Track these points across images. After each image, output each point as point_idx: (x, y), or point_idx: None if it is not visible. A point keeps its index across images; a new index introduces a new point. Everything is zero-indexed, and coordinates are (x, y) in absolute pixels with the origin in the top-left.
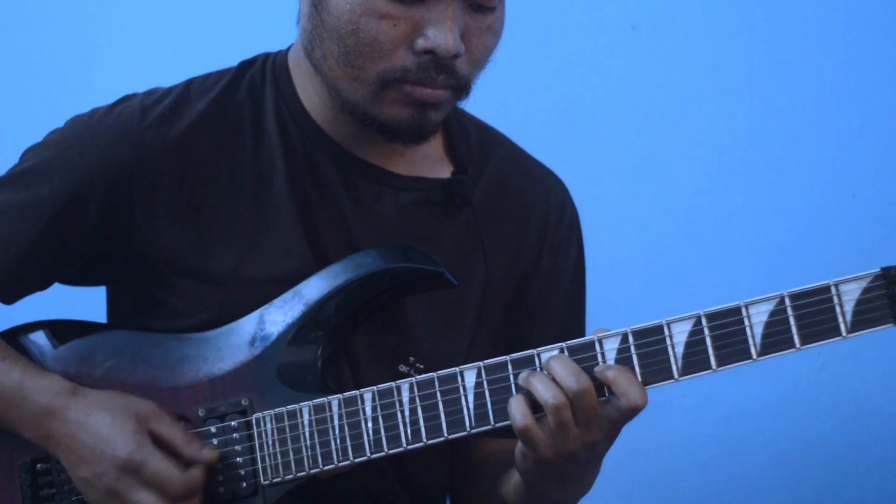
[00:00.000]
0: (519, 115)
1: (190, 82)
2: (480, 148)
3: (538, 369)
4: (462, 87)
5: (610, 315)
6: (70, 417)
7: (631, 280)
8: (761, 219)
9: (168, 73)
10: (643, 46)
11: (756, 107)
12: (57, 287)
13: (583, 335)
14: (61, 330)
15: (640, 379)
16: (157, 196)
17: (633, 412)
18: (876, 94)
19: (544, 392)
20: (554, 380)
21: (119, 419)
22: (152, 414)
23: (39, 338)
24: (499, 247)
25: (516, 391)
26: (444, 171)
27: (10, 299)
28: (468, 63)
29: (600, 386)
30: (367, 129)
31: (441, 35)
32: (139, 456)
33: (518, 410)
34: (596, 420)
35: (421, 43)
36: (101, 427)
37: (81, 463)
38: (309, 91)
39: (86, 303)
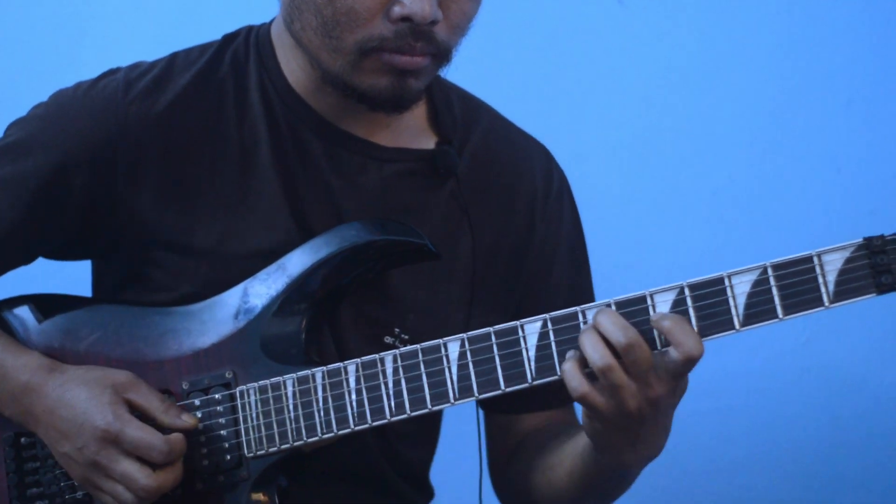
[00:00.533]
0: (503, 89)
1: (174, 56)
2: (464, 118)
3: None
4: (442, 54)
5: (600, 287)
6: (48, 394)
7: (615, 253)
8: (746, 193)
9: (152, 47)
10: (629, 20)
11: (742, 81)
12: (41, 261)
13: (592, 298)
14: (45, 304)
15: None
16: (141, 170)
17: (689, 363)
18: (862, 69)
19: (592, 353)
20: (603, 338)
21: (95, 391)
22: (128, 383)
23: (23, 312)
24: (485, 217)
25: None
26: (429, 143)
27: None
28: (447, 29)
29: (652, 340)
30: (350, 101)
31: (417, 1)
32: (117, 425)
33: (573, 378)
34: (652, 374)
35: (397, 10)
36: (79, 401)
37: (62, 438)
38: (292, 64)
39: (71, 277)
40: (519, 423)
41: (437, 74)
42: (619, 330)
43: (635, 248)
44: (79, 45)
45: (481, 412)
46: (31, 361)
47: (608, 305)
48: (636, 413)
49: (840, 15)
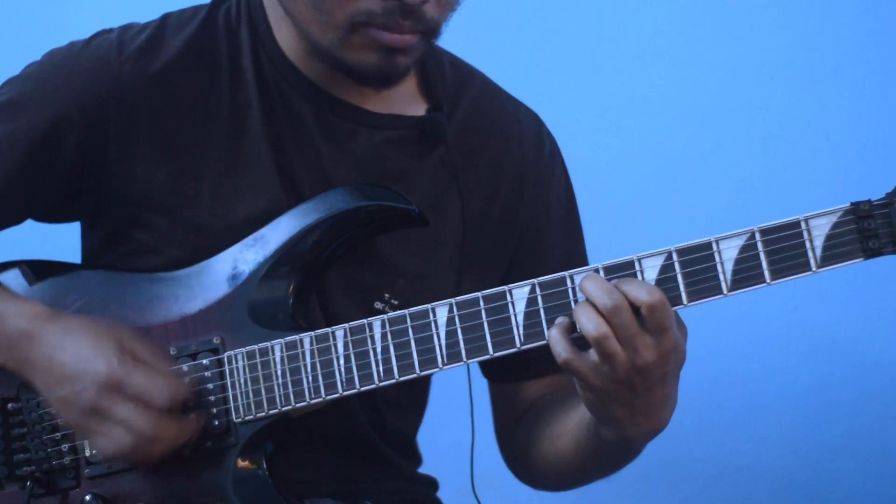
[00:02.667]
0: (491, 52)
1: (166, 17)
2: (455, 84)
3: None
4: (431, 32)
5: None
6: (48, 339)
7: (605, 217)
8: (736, 160)
9: (142, 10)
10: None
11: (730, 48)
12: (31, 226)
13: (585, 260)
14: (33, 269)
15: None
16: (134, 129)
17: (653, 312)
18: (850, 36)
19: (586, 322)
20: (596, 309)
21: (102, 338)
22: (131, 336)
23: (11, 277)
24: (475, 182)
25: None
26: (419, 109)
27: None
28: (437, 7)
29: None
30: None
31: None
32: (121, 371)
33: (558, 343)
34: (640, 338)
35: None
36: (82, 346)
37: (60, 382)
38: (283, 31)
39: (60, 243)
40: (523, 390)
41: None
42: (604, 294)
43: (624, 215)
44: (69, 7)
45: (475, 381)
46: (31, 309)
47: (596, 271)
48: (625, 381)
49: None
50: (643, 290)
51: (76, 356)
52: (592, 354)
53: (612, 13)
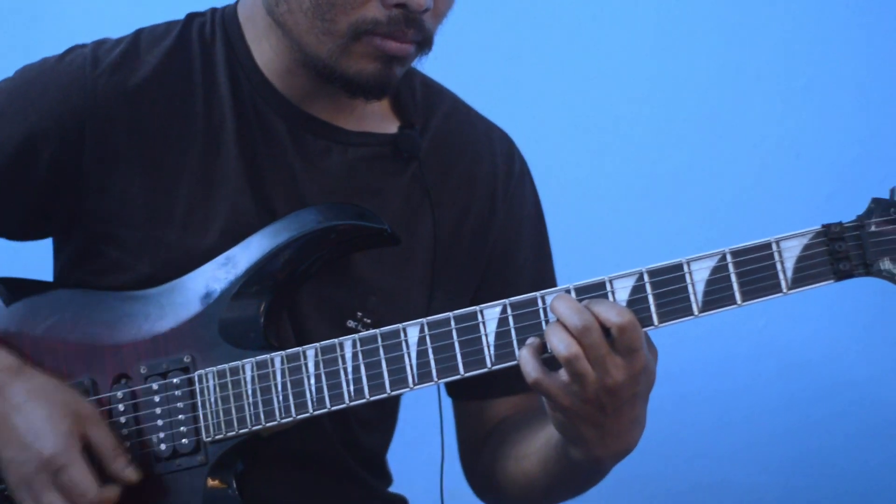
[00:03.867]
0: (462, 71)
1: (139, 32)
2: (426, 103)
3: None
4: (426, 42)
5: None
6: (9, 398)
7: (576, 238)
8: (706, 177)
9: (115, 27)
10: (588, 4)
11: (700, 65)
12: (1, 244)
13: (554, 280)
14: (3, 287)
15: None
16: (109, 144)
17: (623, 333)
18: (820, 53)
19: (557, 343)
20: (567, 330)
21: (56, 414)
22: (91, 418)
23: None
24: (447, 200)
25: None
26: (391, 127)
27: None
28: (433, 18)
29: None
30: (319, 85)
31: None
32: (63, 459)
33: (528, 363)
34: (609, 358)
35: None
36: (36, 417)
37: (8, 444)
38: (263, 45)
39: (31, 262)
40: (488, 409)
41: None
42: (574, 314)
43: (593, 233)
44: (40, 23)
45: (444, 399)
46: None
47: (567, 291)
48: (595, 401)
49: (802, 4)
50: (613, 311)
51: (28, 426)
52: (563, 374)
53: (583, 33)
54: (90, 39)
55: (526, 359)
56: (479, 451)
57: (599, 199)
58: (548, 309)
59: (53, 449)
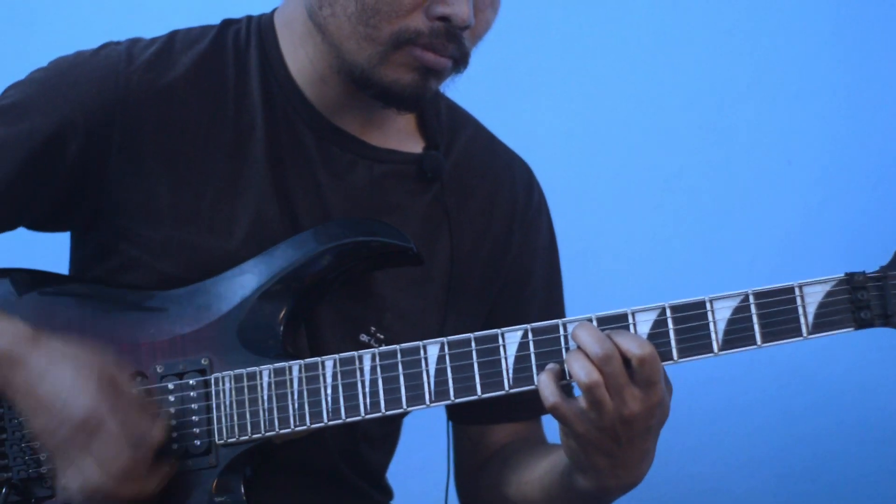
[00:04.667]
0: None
1: (174, 33)
2: (450, 126)
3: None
4: (462, 59)
5: (575, 303)
6: (31, 367)
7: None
8: (698, 184)
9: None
10: (585, 16)
11: (691, 72)
12: (21, 235)
13: (563, 313)
14: (22, 280)
15: None
16: (138, 141)
17: (643, 364)
18: (811, 60)
19: (578, 370)
20: (588, 357)
21: (82, 374)
22: (115, 375)
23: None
24: (466, 222)
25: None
26: (416, 147)
27: None
28: (472, 37)
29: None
30: (350, 97)
31: (460, 4)
32: (100, 413)
33: (547, 388)
34: (628, 389)
35: (439, 9)
36: (63, 380)
37: (40, 412)
38: (299, 53)
39: (48, 255)
40: (489, 434)
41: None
42: (596, 343)
43: (584, 239)
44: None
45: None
46: (14, 329)
47: (589, 320)
48: (610, 430)
49: (789, 6)
50: (635, 343)
51: (56, 391)
52: (580, 401)
53: (574, 42)
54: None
55: (545, 383)
56: (478, 476)
57: (591, 204)
58: (569, 336)
59: (85, 407)
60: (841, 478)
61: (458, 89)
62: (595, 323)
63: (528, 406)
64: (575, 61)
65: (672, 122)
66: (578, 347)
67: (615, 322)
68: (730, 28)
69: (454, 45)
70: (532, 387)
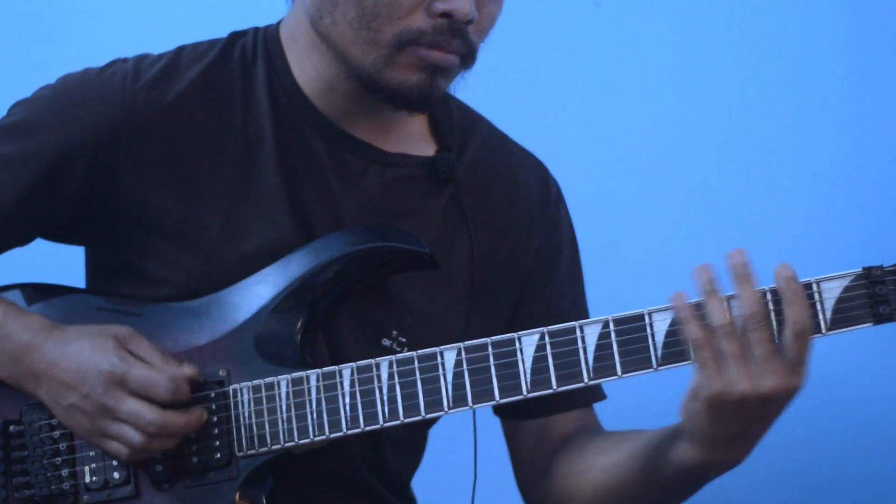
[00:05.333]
0: (478, 94)
1: (181, 49)
2: (462, 128)
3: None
4: (470, 55)
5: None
6: (50, 349)
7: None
8: (722, 196)
9: (155, 44)
10: (605, 23)
11: (716, 85)
12: (37, 247)
13: (586, 307)
14: (37, 293)
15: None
16: (145, 157)
17: (799, 339)
18: (835, 73)
19: (747, 299)
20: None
21: (99, 340)
22: (129, 336)
23: (15, 300)
24: (484, 223)
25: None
26: (429, 150)
27: None
28: (477, 31)
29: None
30: (360, 103)
31: None
32: (122, 366)
33: (693, 327)
34: (773, 359)
35: (439, 6)
36: (82, 350)
37: (66, 389)
38: (305, 64)
39: (66, 266)
40: (553, 426)
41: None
42: (753, 302)
43: (607, 251)
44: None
45: (479, 425)
46: (33, 322)
47: (606, 324)
48: (740, 400)
49: (813, 19)
50: (804, 312)
51: (77, 361)
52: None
53: (597, 50)
54: (113, 56)
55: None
56: (549, 469)
57: (613, 217)
58: (586, 338)
59: (109, 364)
60: (867, 487)
61: (479, 98)
62: (612, 325)
63: (585, 391)
64: (598, 72)
65: (694, 134)
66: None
67: (634, 322)
68: (754, 41)
69: (459, 40)
70: (550, 390)
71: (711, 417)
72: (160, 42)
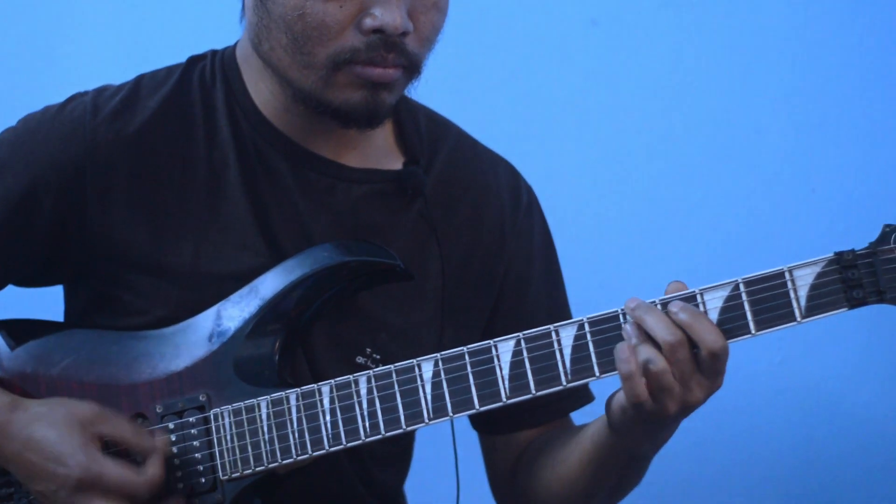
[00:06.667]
0: (477, 110)
1: (140, 78)
2: (430, 138)
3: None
4: (413, 66)
5: (573, 303)
6: (14, 434)
7: (589, 270)
8: (722, 212)
9: (118, 71)
10: (603, 41)
11: (716, 102)
12: (12, 287)
13: (568, 310)
14: (17, 329)
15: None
16: (111, 191)
17: (714, 358)
18: (835, 89)
19: (648, 354)
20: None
21: (64, 433)
22: (96, 417)
23: None
24: (453, 235)
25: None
26: (396, 163)
27: None
28: (417, 41)
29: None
30: (319, 122)
31: (388, 13)
32: (94, 469)
33: (622, 354)
34: (696, 378)
35: (368, 22)
36: (47, 444)
37: (34, 479)
38: (259, 86)
39: (43, 303)
40: (518, 437)
41: (405, 92)
42: (666, 330)
43: (609, 265)
44: (46, 70)
45: (459, 434)
46: None
47: (581, 325)
48: (672, 416)
49: (813, 37)
50: (711, 334)
51: (44, 455)
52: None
53: (596, 68)
54: (98, 82)
55: (623, 351)
56: (514, 476)
57: (615, 231)
58: (562, 341)
59: (78, 468)
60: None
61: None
62: (587, 327)
63: (550, 409)
64: (599, 90)
65: (694, 150)
66: (641, 332)
67: (608, 322)
68: (754, 56)
69: (394, 54)
70: (529, 396)
71: (638, 424)
72: (157, 60)
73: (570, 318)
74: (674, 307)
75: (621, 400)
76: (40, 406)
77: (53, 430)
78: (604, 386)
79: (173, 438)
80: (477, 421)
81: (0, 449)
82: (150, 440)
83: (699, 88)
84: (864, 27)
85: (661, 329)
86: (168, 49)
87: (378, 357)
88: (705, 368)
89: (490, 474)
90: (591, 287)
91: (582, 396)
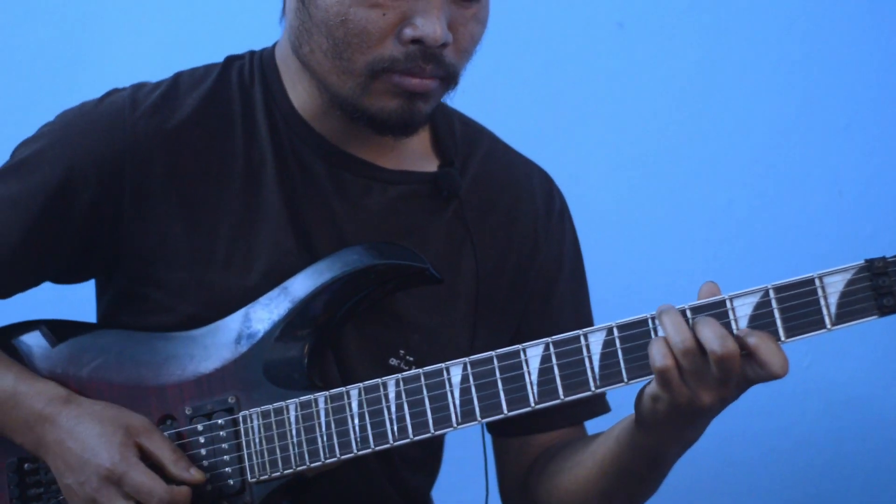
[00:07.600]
0: (505, 113)
1: (178, 75)
2: (465, 142)
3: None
4: (450, 77)
5: (599, 309)
6: (61, 424)
7: (614, 274)
8: (749, 216)
9: (153, 71)
10: (629, 44)
11: (743, 105)
12: (46, 289)
13: (591, 316)
14: (49, 330)
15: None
16: (148, 185)
17: (721, 364)
18: (861, 92)
19: (655, 353)
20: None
21: (108, 430)
22: (142, 428)
23: (28, 338)
24: (488, 238)
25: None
26: (431, 166)
27: (4, 293)
28: (455, 53)
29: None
30: (356, 124)
31: (429, 24)
32: (122, 467)
33: (659, 351)
34: (704, 383)
35: (409, 32)
36: (89, 436)
37: (67, 470)
38: (297, 88)
39: (74, 304)
40: (533, 442)
41: (442, 99)
42: (675, 331)
43: (634, 270)
44: (80, 70)
45: (487, 436)
46: (48, 390)
47: (610, 330)
48: (706, 407)
49: (839, 38)
50: (717, 340)
51: (83, 446)
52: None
53: (622, 70)
54: (130, 82)
55: (658, 346)
56: (526, 479)
57: (640, 235)
58: (591, 346)
59: (110, 460)
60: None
61: (505, 119)
62: (616, 332)
63: (566, 414)
64: (624, 93)
65: (721, 154)
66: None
67: (637, 328)
68: (780, 60)
69: (433, 65)
70: (558, 401)
71: (671, 418)
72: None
73: (593, 324)
74: (742, 331)
75: (653, 388)
76: (94, 405)
77: (98, 427)
78: (620, 398)
79: (202, 440)
80: (492, 423)
81: (43, 436)
82: (186, 468)
83: (725, 91)
84: (894, 29)
85: (671, 331)
86: (199, 51)
87: (411, 359)
88: (753, 379)
89: (500, 478)
90: (617, 290)
91: (600, 405)
